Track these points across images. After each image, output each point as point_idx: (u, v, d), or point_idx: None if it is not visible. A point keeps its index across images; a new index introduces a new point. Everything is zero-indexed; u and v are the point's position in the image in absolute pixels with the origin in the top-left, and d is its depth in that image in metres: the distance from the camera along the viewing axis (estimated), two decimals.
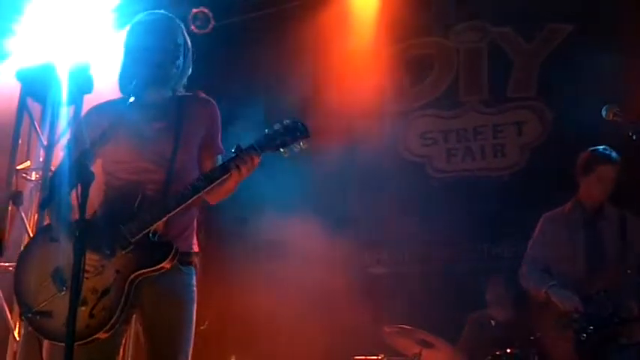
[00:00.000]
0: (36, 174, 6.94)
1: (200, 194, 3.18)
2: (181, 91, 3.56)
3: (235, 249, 7.10)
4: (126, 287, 3.12)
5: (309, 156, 6.78)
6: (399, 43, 7.69)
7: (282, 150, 3.20)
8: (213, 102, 3.59)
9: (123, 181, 3.30)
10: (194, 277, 3.39)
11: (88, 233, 2.83)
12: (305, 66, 7.50)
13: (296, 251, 6.53)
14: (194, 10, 7.18)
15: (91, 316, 3.09)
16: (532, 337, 5.09)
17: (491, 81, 7.30)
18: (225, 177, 3.17)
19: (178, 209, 3.16)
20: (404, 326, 5.67)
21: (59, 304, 3.07)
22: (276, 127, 3.20)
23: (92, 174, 2.83)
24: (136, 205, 3.20)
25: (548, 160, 6.70)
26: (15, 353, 5.98)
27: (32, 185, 6.89)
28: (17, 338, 6.13)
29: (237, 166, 3.15)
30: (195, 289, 3.37)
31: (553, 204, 5.26)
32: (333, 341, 6.24)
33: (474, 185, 7.06)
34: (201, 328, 7.44)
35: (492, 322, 5.90)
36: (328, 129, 6.94)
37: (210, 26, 7.21)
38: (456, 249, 6.95)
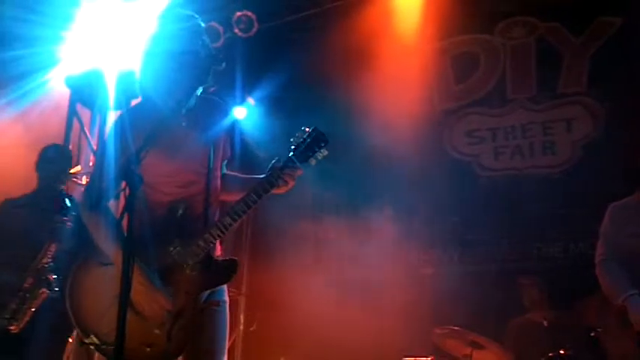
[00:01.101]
0: (86, 178, 7.04)
1: (251, 209, 3.21)
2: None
3: (282, 251, 7.11)
4: (197, 307, 3.13)
5: (355, 155, 6.86)
6: (443, 41, 7.62)
7: (311, 162, 3.32)
8: (227, 102, 3.60)
9: (170, 195, 3.25)
10: None
11: (145, 256, 2.88)
12: (349, 66, 7.46)
13: (344, 252, 6.52)
14: (237, 14, 7.20)
15: (169, 339, 3.06)
16: (591, 334, 4.95)
17: (539, 77, 7.17)
18: (272, 191, 3.23)
19: (235, 225, 3.19)
20: (454, 327, 5.60)
21: (135, 328, 2.94)
22: (303, 139, 3.31)
23: (140, 178, 2.80)
24: (189, 222, 3.19)
25: (599, 156, 6.55)
26: None
27: (82, 189, 6.99)
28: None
29: (285, 181, 3.24)
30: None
31: (605, 201, 5.13)
32: (382, 342, 6.20)
33: (523, 184, 6.94)
34: (251, 329, 7.49)
35: (544, 323, 5.78)
36: (374, 128, 6.92)
37: (254, 29, 7.23)
38: (506, 249, 6.84)
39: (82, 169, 6.98)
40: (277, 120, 7.30)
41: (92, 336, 3.07)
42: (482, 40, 7.54)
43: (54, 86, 7.42)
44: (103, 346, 3.05)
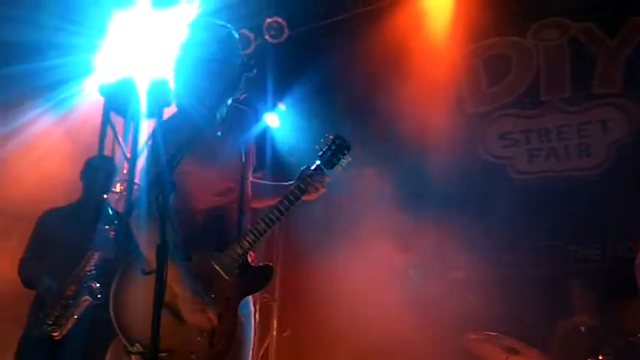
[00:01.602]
0: (120, 185, 7.12)
1: (284, 215, 3.29)
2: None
3: (314, 257, 7.11)
4: (237, 312, 3.16)
5: (386, 160, 6.84)
6: (475, 44, 7.58)
7: (337, 169, 3.47)
8: (256, 108, 3.65)
9: (207, 203, 3.27)
10: None
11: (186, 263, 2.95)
12: (380, 70, 7.45)
13: (377, 257, 6.50)
14: (268, 20, 7.24)
15: (212, 345, 3.08)
16: (631, 339, 4.89)
17: (573, 78, 7.09)
18: (303, 198, 3.34)
19: (269, 231, 3.26)
20: (489, 332, 5.55)
21: (179, 336, 3.03)
22: (328, 147, 3.46)
23: (173, 185, 2.83)
24: (226, 229, 3.24)
25: (636, 157, 6.46)
26: None
27: (116, 197, 7.07)
28: None
29: (316, 188, 3.37)
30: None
31: None
32: (415, 348, 6.17)
33: (558, 186, 6.87)
34: (284, 334, 7.51)
35: (582, 328, 5.71)
36: (406, 131, 6.90)
37: (285, 35, 7.25)
38: (541, 252, 6.77)
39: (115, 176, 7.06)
40: (308, 125, 7.31)
41: (137, 344, 3.07)
42: (514, 42, 7.48)
43: (88, 94, 7.52)
44: (149, 354, 3.06)
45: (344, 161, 3.46)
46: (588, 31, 7.08)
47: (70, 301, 4.63)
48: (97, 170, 5.23)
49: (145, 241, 3.12)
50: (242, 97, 3.49)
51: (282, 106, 7.74)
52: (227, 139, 3.35)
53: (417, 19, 7.47)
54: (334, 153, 3.44)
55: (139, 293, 3.14)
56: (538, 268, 6.71)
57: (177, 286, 3.01)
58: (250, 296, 3.34)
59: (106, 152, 7.05)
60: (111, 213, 4.91)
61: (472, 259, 7.06)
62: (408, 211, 6.75)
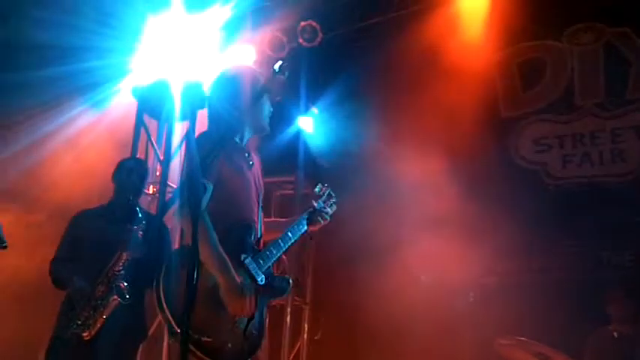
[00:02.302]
0: (153, 187, 7.17)
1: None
2: None
3: (346, 261, 7.12)
4: (264, 312, 3.43)
5: (420, 163, 6.83)
6: (509, 47, 7.54)
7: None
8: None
9: (237, 219, 3.47)
10: None
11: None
12: (414, 74, 7.44)
13: (405, 261, 6.48)
14: (302, 24, 7.26)
15: (245, 337, 3.27)
16: None
17: (608, 83, 7.03)
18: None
19: (294, 243, 3.68)
20: (520, 338, 5.52)
21: (217, 325, 3.20)
22: (322, 203, 4.08)
23: (205, 187, 2.92)
24: (253, 241, 3.46)
25: None
26: None
27: (149, 199, 7.13)
28: None
29: (320, 223, 3.99)
30: None
31: None
32: (445, 352, 6.15)
33: (592, 192, 6.81)
34: (315, 338, 7.52)
35: (615, 334, 5.65)
36: (439, 136, 6.88)
37: (319, 39, 7.27)
38: (574, 258, 6.71)
39: (148, 178, 7.12)
40: (342, 129, 7.33)
41: (198, 333, 3.21)
42: (549, 46, 7.43)
43: (123, 97, 7.60)
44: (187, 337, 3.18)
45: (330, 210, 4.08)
46: (623, 35, 7.02)
47: (99, 302, 4.67)
48: (130, 172, 5.28)
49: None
50: (277, 100, 3.66)
51: (315, 110, 7.76)
52: (251, 166, 3.66)
53: (451, 22, 7.45)
54: (329, 207, 4.08)
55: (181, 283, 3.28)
56: (570, 273, 6.66)
57: (223, 275, 3.19)
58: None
59: (139, 154, 7.11)
60: (140, 215, 4.94)
61: (503, 265, 7.03)
62: (438, 217, 6.73)
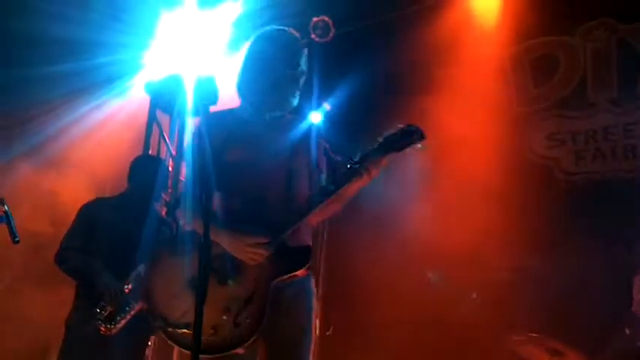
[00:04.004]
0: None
1: (330, 198, 3.22)
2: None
3: (358, 256, 7.12)
4: (267, 295, 3.14)
5: (433, 158, 6.83)
6: (522, 43, 7.52)
7: (406, 150, 3.27)
8: (317, 124, 3.77)
9: (246, 194, 3.35)
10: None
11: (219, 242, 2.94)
12: (426, 70, 7.43)
13: (422, 254, 6.49)
14: (314, 19, 7.26)
15: (237, 325, 3.10)
16: None
17: (621, 79, 7.00)
18: (353, 181, 3.21)
19: (311, 212, 3.21)
20: (532, 334, 5.52)
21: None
22: (393, 131, 3.30)
23: (214, 184, 2.92)
24: (264, 210, 3.26)
25: None
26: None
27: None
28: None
29: (368, 169, 3.20)
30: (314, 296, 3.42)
31: None
32: (457, 350, 6.15)
33: (604, 187, 6.79)
34: (327, 333, 7.52)
35: (627, 330, 5.64)
36: (451, 131, 6.87)
37: (331, 35, 7.27)
38: (587, 253, 6.69)
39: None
40: (354, 125, 7.32)
41: (160, 320, 3.22)
42: (562, 42, 7.40)
43: (135, 92, 7.64)
44: (169, 329, 3.15)
45: (413, 148, 3.29)
46: (636, 32, 6.99)
47: (125, 301, 4.68)
48: (142, 172, 5.29)
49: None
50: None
51: (327, 106, 7.76)
52: (274, 140, 3.45)
53: (463, 18, 7.44)
54: (398, 139, 3.28)
55: (167, 272, 3.31)
56: (582, 269, 6.63)
57: (219, 237, 3.13)
58: (306, 276, 3.37)
59: (152, 150, 7.16)
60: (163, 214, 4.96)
61: (515, 261, 7.02)
62: (450, 212, 6.74)
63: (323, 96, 7.63)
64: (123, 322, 4.67)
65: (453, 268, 6.62)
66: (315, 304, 3.42)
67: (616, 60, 7.10)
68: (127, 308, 4.68)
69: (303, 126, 3.59)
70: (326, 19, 7.27)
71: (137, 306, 4.69)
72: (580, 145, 7.09)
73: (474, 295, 6.65)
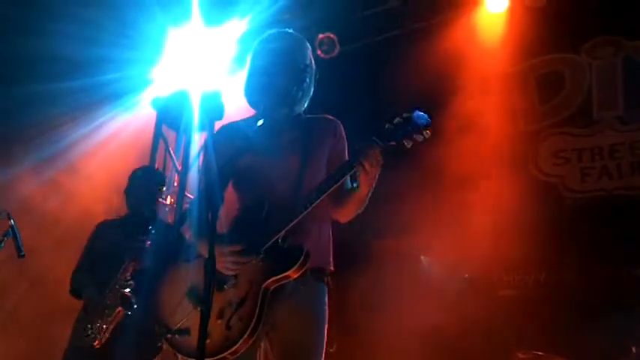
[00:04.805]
0: (170, 198, 7.23)
1: (326, 195, 3.14)
2: (305, 113, 3.61)
3: (360, 269, 7.09)
4: (260, 296, 3.09)
5: (436, 173, 6.82)
6: (527, 61, 7.53)
7: (404, 142, 3.11)
8: (338, 121, 3.62)
9: (253, 197, 3.35)
10: (326, 296, 3.41)
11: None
12: (431, 87, 7.44)
13: (422, 274, 6.47)
14: (320, 36, 7.31)
15: (228, 328, 3.08)
16: None
17: (626, 97, 7.00)
18: (349, 174, 3.12)
19: (305, 213, 3.13)
20: (537, 352, 5.49)
21: (196, 321, 2.93)
22: (397, 119, 3.13)
23: (221, 200, 2.92)
24: (263, 215, 3.23)
25: None
26: None
27: (167, 209, 7.18)
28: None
29: (361, 163, 3.07)
30: (327, 307, 3.38)
31: None
32: None
33: (610, 205, 6.76)
34: (330, 350, 7.49)
35: (633, 349, 5.60)
36: (456, 148, 6.87)
37: (336, 51, 7.31)
38: (593, 272, 6.66)
39: (166, 188, 7.18)
40: (358, 141, 7.32)
41: (163, 328, 3.26)
42: (567, 60, 7.41)
43: (142, 108, 7.69)
44: (168, 335, 3.21)
45: (418, 136, 3.09)
46: None
47: (106, 311, 4.72)
48: (138, 186, 5.32)
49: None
50: None
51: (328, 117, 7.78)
52: (283, 141, 3.43)
53: (468, 36, 7.45)
54: (402, 126, 3.10)
55: (171, 282, 3.35)
56: (589, 288, 6.60)
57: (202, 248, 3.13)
58: (324, 286, 3.40)
59: (157, 165, 7.19)
60: (151, 226, 4.96)
61: (522, 278, 6.99)
62: (455, 228, 6.72)
63: (327, 111, 7.66)
64: (107, 333, 4.69)
65: (456, 289, 6.58)
66: (326, 315, 3.38)
67: (622, 77, 7.10)
68: (107, 319, 4.71)
69: (316, 127, 3.56)
70: (331, 35, 7.31)
71: (116, 311, 4.72)
72: (586, 162, 7.08)
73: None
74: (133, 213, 5.24)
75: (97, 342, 4.69)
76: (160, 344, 5.06)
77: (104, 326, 4.71)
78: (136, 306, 4.74)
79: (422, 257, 6.85)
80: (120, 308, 4.71)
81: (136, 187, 5.31)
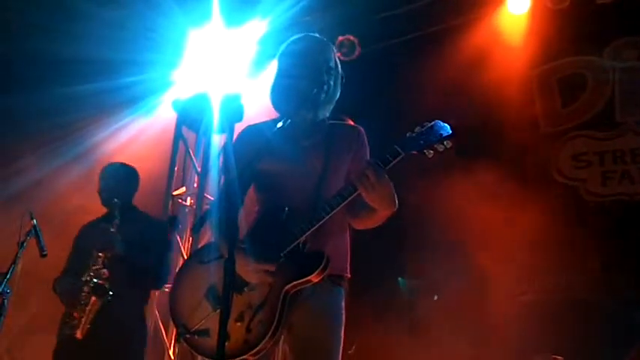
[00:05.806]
0: (190, 199, 7.27)
1: (343, 204, 3.14)
2: (328, 118, 3.59)
3: (380, 270, 7.09)
4: (280, 300, 3.12)
5: (459, 178, 6.80)
6: (549, 63, 7.49)
7: (425, 151, 3.14)
8: (360, 128, 3.62)
9: (273, 200, 3.36)
10: (343, 301, 3.41)
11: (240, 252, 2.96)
12: (453, 89, 7.42)
13: (441, 278, 6.45)
14: (340, 38, 7.31)
15: (248, 330, 3.11)
16: None
17: None
18: (357, 192, 3.11)
19: (326, 218, 3.14)
20: (556, 357, 5.46)
21: (215, 322, 2.92)
22: (418, 129, 3.18)
23: (241, 201, 2.93)
24: (283, 219, 3.24)
25: None
26: None
27: (187, 210, 7.22)
28: (172, 357, 6.38)
29: (365, 174, 3.06)
30: (344, 312, 3.37)
31: None
32: None
33: (632, 210, 6.71)
34: (349, 352, 7.49)
35: None
36: (477, 151, 6.85)
37: (357, 53, 7.31)
38: (614, 277, 6.61)
39: (186, 190, 7.23)
40: (378, 144, 7.32)
41: (182, 328, 3.27)
42: (589, 62, 7.36)
43: (162, 110, 7.74)
44: (187, 335, 3.23)
45: (440, 146, 3.13)
46: None
47: (82, 302, 4.75)
48: (107, 178, 5.35)
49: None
50: None
51: (351, 122, 7.78)
52: (305, 144, 3.43)
53: (490, 38, 7.41)
54: (423, 135, 3.15)
55: (191, 282, 3.36)
56: (609, 293, 6.55)
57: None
58: (342, 290, 3.40)
59: (178, 166, 7.23)
60: (116, 214, 4.97)
61: (541, 282, 6.95)
62: (475, 232, 6.69)
63: (347, 114, 7.66)
64: (86, 324, 4.71)
65: (478, 290, 6.56)
66: (343, 320, 3.36)
67: None
68: (82, 308, 4.73)
69: (339, 133, 3.55)
70: (351, 37, 7.31)
71: (91, 301, 4.74)
72: (607, 166, 7.02)
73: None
74: (107, 207, 5.26)
75: (78, 333, 4.71)
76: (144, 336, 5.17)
77: (82, 318, 4.73)
78: (112, 293, 4.76)
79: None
80: (94, 298, 4.73)
81: (104, 182, 5.33)
